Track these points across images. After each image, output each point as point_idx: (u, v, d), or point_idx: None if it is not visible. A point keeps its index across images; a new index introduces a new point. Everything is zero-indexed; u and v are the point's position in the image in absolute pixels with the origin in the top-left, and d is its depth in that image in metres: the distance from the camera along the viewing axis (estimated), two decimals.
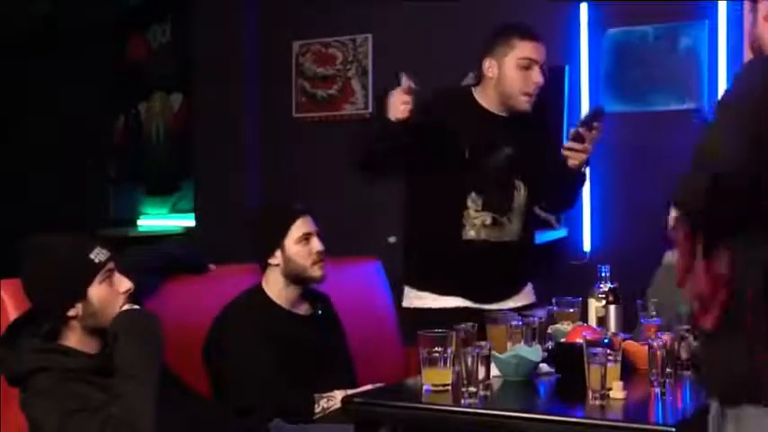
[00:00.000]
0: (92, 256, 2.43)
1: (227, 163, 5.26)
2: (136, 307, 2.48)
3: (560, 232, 4.38)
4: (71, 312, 2.42)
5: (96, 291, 2.43)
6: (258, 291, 3.06)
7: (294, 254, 3.02)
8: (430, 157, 3.11)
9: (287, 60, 5.15)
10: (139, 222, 6.32)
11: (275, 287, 3.05)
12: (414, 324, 2.81)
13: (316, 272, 3.05)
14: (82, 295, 2.41)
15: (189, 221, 5.78)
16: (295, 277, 3.04)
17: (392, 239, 4.59)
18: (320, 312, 3.13)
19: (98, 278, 2.43)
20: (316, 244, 3.05)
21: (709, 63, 4.16)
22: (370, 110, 4.92)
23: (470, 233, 3.12)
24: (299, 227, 3.04)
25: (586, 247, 4.39)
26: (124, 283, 2.47)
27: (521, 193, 3.17)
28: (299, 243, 3.03)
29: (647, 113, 4.26)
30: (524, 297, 3.24)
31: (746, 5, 1.95)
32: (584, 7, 4.40)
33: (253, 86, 5.22)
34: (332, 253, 3.14)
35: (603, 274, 2.97)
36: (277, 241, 3.02)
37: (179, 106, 6.12)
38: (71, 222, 5.10)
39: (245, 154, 5.23)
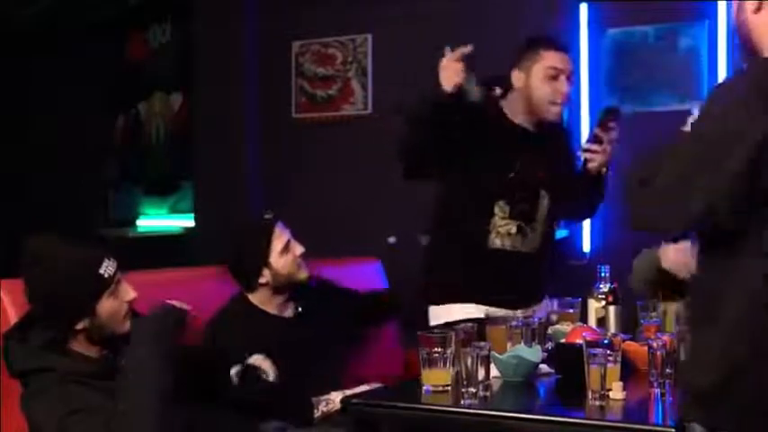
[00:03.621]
0: (101, 270, 2.37)
1: (226, 163, 5.26)
2: (168, 302, 2.46)
3: (560, 232, 4.37)
4: (78, 326, 2.38)
5: (104, 305, 2.39)
6: (241, 299, 3.04)
7: (281, 267, 3.00)
8: (461, 162, 3.11)
9: (287, 60, 5.14)
10: (138, 222, 6.31)
11: (260, 297, 3.04)
12: None
13: (302, 274, 3.05)
14: (90, 312, 2.38)
15: (188, 221, 5.78)
16: (284, 286, 3.03)
17: (392, 240, 4.59)
18: (300, 310, 3.10)
19: (106, 293, 2.38)
20: (296, 248, 3.04)
21: (709, 63, 4.15)
22: (370, 110, 4.92)
23: (496, 241, 3.12)
24: (278, 238, 3.02)
25: (586, 247, 4.39)
26: (129, 293, 2.44)
27: (544, 203, 3.18)
28: (283, 255, 3.01)
29: (647, 113, 4.25)
30: (541, 310, 3.21)
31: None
32: (584, 7, 4.39)
33: (253, 86, 5.21)
34: (332, 253, 3.13)
35: (603, 274, 2.97)
36: (262, 262, 3.00)
37: (179, 106, 6.11)
38: (71, 222, 5.12)
39: (245, 154, 5.22)
